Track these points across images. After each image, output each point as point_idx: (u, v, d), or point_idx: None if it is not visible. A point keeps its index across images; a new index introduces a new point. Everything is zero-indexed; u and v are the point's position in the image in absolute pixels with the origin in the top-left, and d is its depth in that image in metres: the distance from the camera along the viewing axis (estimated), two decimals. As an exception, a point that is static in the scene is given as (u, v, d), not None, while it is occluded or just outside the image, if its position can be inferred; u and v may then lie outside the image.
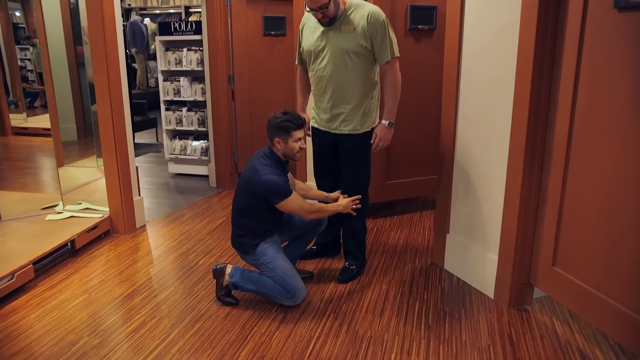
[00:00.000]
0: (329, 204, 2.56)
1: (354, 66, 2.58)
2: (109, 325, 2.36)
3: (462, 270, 2.82)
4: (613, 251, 1.97)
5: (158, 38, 4.89)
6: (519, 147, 2.31)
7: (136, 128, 6.64)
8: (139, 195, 3.69)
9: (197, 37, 4.68)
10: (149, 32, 9.63)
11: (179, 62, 4.85)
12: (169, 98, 4.95)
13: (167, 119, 5.01)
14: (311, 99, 2.90)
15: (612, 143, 1.93)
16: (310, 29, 2.68)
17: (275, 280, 2.42)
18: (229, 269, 2.54)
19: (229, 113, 4.61)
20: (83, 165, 4.70)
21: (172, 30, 4.83)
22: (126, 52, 9.91)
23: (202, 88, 4.83)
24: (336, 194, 2.68)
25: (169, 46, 4.89)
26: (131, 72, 9.84)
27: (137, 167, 3.68)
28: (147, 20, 9.80)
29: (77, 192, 3.95)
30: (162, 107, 5.01)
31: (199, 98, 4.86)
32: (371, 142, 2.70)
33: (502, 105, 2.42)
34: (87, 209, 3.61)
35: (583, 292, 2.14)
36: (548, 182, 2.28)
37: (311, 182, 4.03)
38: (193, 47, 4.78)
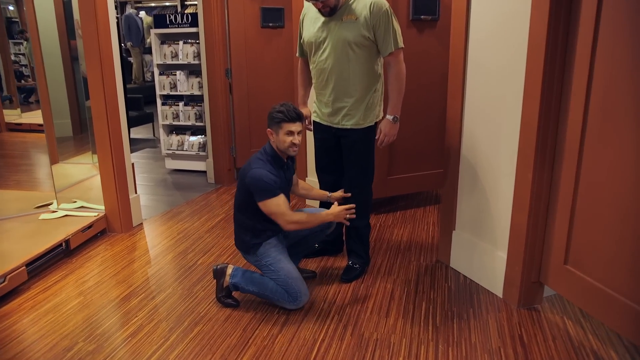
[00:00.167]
0: (318, 214, 2.35)
1: (356, 58, 2.48)
2: (105, 329, 2.28)
3: (469, 268, 2.74)
4: (628, 249, 1.89)
5: (153, 31, 4.78)
6: (529, 142, 2.22)
7: (132, 123, 6.53)
8: (136, 192, 3.60)
9: (193, 29, 4.56)
10: (145, 25, 9.49)
11: (175, 55, 4.74)
12: (165, 92, 4.85)
13: (164, 113, 4.91)
14: (312, 92, 2.80)
15: (628, 137, 1.84)
16: (310, 19, 2.58)
17: (277, 282, 2.34)
18: (229, 270, 2.45)
19: (227, 107, 4.51)
20: (78, 161, 4.60)
21: (168, 22, 4.71)
22: (121, 46, 9.79)
23: (199, 82, 4.72)
24: (339, 193, 2.59)
25: (165, 39, 4.78)
26: (127, 66, 9.73)
27: (133, 164, 3.58)
28: (142, 14, 9.66)
29: (72, 190, 3.85)
30: (159, 101, 4.90)
31: (196, 92, 4.75)
32: (376, 137, 2.61)
33: (511, 97, 2.33)
34: (82, 207, 3.52)
35: (597, 292, 2.06)
36: (560, 177, 2.20)
37: (312, 178, 3.94)
38: (189, 40, 4.66)
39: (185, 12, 4.68)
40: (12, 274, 2.57)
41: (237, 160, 4.67)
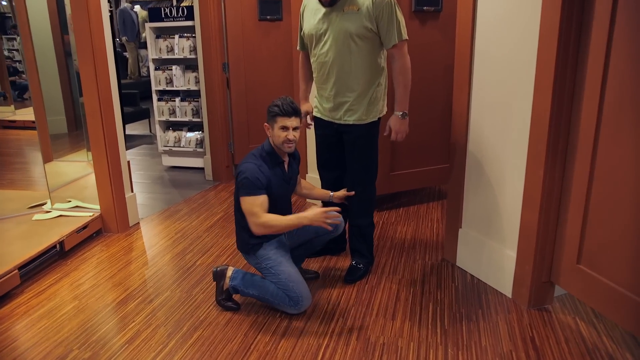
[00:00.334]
0: (291, 217, 2.15)
1: (358, 50, 2.39)
2: (101, 335, 2.19)
3: (476, 267, 2.66)
4: (648, 249, 1.81)
5: (148, 25, 4.66)
6: (540, 138, 2.13)
7: (128, 119, 6.43)
8: (132, 191, 3.51)
9: (189, 23, 4.45)
10: (140, 19, 9.35)
11: (170, 49, 4.63)
12: (161, 88, 4.74)
13: (160, 109, 4.80)
14: (314, 87, 2.71)
15: (648, 132, 1.76)
16: (311, 11, 2.48)
17: (278, 286, 2.25)
18: (229, 272, 2.37)
19: (224, 102, 4.41)
20: (73, 159, 4.50)
21: (163, 16, 4.60)
22: (116, 41, 9.65)
23: (195, 77, 4.61)
24: (342, 192, 2.49)
25: (160, 33, 4.67)
26: (122, 61, 9.59)
27: (128, 162, 3.49)
28: (137, 8, 9.51)
29: (67, 189, 3.76)
30: (154, 97, 4.79)
31: (193, 87, 4.64)
32: (388, 136, 2.54)
33: (520, 89, 2.24)
34: (76, 207, 3.42)
35: (611, 292, 1.98)
36: (572, 174, 2.11)
37: (312, 175, 3.85)
38: (185, 34, 4.55)
39: (181, 5, 4.55)
40: (4, 278, 2.48)
41: (235, 157, 4.58)
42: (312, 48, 2.52)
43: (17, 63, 8.61)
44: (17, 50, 8.56)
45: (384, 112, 2.61)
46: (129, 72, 9.70)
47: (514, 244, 2.39)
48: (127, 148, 5.87)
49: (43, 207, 3.42)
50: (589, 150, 2.01)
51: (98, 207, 3.33)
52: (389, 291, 2.53)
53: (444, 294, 2.49)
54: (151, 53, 4.70)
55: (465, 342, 2.10)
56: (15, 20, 8.28)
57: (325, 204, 2.79)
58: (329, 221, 2.11)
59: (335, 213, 2.15)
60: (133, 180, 3.77)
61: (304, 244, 2.48)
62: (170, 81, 4.69)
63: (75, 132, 4.82)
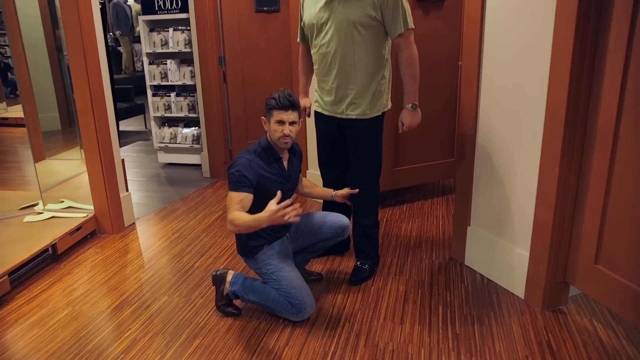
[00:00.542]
0: (250, 217, 1.94)
1: (361, 40, 2.27)
2: (96, 345, 2.08)
3: (486, 266, 2.56)
4: (674, 250, 1.71)
5: (141, 18, 4.52)
6: (556, 132, 2.02)
7: (123, 115, 6.30)
8: (127, 190, 3.39)
9: (183, 15, 4.31)
10: (133, 12, 9.19)
11: (164, 43, 4.49)
12: (155, 83, 4.61)
13: (155, 105, 4.67)
14: (314, 81, 2.59)
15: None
16: (311, 0, 2.36)
17: (279, 292, 2.13)
18: (229, 276, 2.26)
19: (221, 97, 4.29)
20: (66, 157, 4.38)
21: (156, 8, 4.45)
22: (110, 35, 9.48)
23: (191, 71, 4.48)
24: (344, 191, 2.36)
25: (154, 26, 4.53)
26: (116, 56, 9.44)
27: (123, 160, 3.36)
28: (130, 1, 9.34)
29: (60, 189, 3.64)
30: (149, 92, 4.66)
31: (188, 82, 4.51)
32: (400, 132, 2.42)
33: (534, 80, 2.12)
34: (69, 207, 3.31)
35: (632, 294, 1.88)
36: (590, 170, 2.00)
37: (313, 171, 3.74)
38: (180, 27, 4.41)
39: (175, -3, 4.42)
40: (-6, 284, 2.37)
41: (233, 153, 4.45)
42: (313, 39, 2.40)
43: (9, 59, 8.44)
44: (8, 45, 8.39)
45: (389, 107, 2.49)
46: (123, 67, 9.55)
47: (527, 243, 2.29)
48: (122, 145, 5.74)
49: (35, 208, 3.30)
50: (609, 144, 1.90)
51: (92, 207, 3.21)
52: (396, 293, 2.43)
53: (453, 296, 2.39)
54: (145, 47, 4.56)
55: (478, 348, 2.00)
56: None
57: (327, 203, 2.68)
58: (286, 218, 1.83)
59: (290, 207, 1.85)
60: (128, 178, 3.65)
61: (308, 247, 2.37)
62: (165, 76, 4.56)
63: (68, 129, 4.69)
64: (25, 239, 2.84)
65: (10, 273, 2.50)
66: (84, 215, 3.16)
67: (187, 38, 4.39)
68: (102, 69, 3.04)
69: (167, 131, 4.72)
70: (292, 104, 2.07)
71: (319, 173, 2.71)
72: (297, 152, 2.30)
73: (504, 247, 2.43)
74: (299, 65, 2.66)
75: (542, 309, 2.25)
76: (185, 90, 4.61)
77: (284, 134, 2.07)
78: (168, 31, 4.45)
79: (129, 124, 6.92)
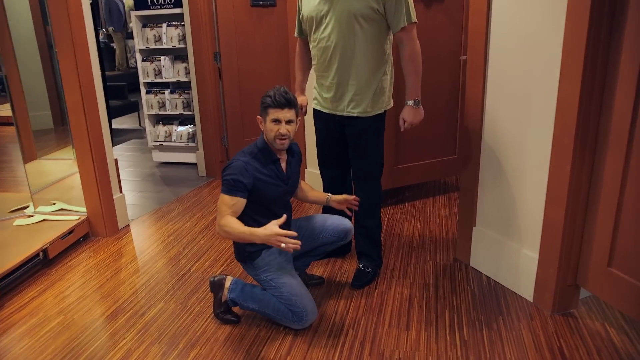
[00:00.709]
0: (249, 231, 1.86)
1: (363, 34, 2.18)
2: (89, 356, 1.99)
3: (493, 268, 2.48)
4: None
5: (134, 13, 4.40)
6: (567, 129, 1.94)
7: (116, 113, 6.19)
8: (120, 191, 3.29)
9: (177, 10, 4.19)
10: (126, 8, 9.03)
11: (158, 39, 4.38)
12: (149, 80, 4.49)
13: (149, 102, 4.56)
14: (311, 78, 2.49)
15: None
16: (310, -8, 2.27)
17: (280, 300, 2.04)
18: (228, 282, 2.17)
19: (217, 94, 4.18)
20: (59, 157, 4.26)
21: (149, 3, 4.33)
22: (102, 31, 9.33)
23: (185, 67, 4.37)
24: (341, 197, 2.24)
25: (147, 22, 4.41)
26: (110, 52, 9.30)
27: (116, 160, 3.26)
28: (123, -4, 9.18)
29: (51, 190, 3.53)
30: (143, 90, 4.55)
31: (183, 79, 4.40)
32: (402, 130, 2.33)
33: (544, 75, 2.03)
34: (61, 209, 3.20)
35: (648, 298, 1.81)
36: (603, 169, 1.92)
37: (311, 169, 3.65)
38: (173, 22, 4.30)
39: (168, -9, 4.30)
40: (-18, 292, 2.28)
41: (230, 151, 4.36)
42: (312, 32, 2.30)
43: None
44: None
45: (391, 105, 2.41)
46: (116, 64, 9.40)
47: (536, 244, 2.21)
48: (116, 143, 5.63)
49: (25, 210, 3.20)
50: (624, 141, 1.82)
51: (84, 209, 3.11)
52: (400, 297, 2.34)
53: (460, 299, 2.31)
54: (138, 43, 4.44)
55: (488, 355, 1.93)
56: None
57: (325, 209, 2.59)
58: (283, 246, 1.77)
59: (293, 240, 1.79)
60: (122, 178, 3.56)
61: (310, 252, 2.28)
62: (159, 73, 4.44)
63: (61, 127, 4.57)
64: (15, 243, 2.74)
65: (0, 279, 2.40)
66: (77, 217, 3.06)
67: (181, 34, 4.28)
68: (93, 66, 2.93)
69: (161, 129, 4.61)
70: (288, 102, 1.97)
71: (319, 172, 2.62)
72: (295, 153, 2.20)
73: (512, 248, 2.35)
74: (295, 61, 2.57)
75: (551, 313, 2.17)
76: (179, 87, 4.50)
77: (280, 134, 1.98)
78: (161, 27, 4.33)
79: (122, 121, 6.81)
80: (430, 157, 3.52)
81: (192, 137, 4.52)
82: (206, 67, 4.06)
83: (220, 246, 2.93)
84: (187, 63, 4.29)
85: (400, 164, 3.41)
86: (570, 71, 1.88)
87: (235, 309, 2.21)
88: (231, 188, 1.93)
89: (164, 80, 4.45)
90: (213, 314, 2.21)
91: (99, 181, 3.02)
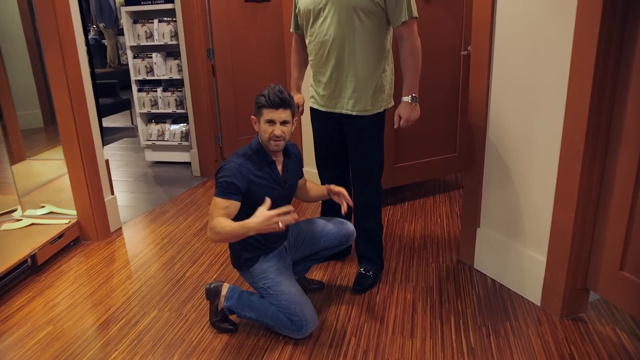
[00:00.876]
0: (235, 224, 1.77)
1: (362, 28, 2.09)
2: (79, 369, 1.90)
3: (498, 270, 2.40)
4: None
5: (124, 9, 4.28)
6: (578, 128, 1.86)
7: (108, 111, 6.07)
8: (112, 193, 3.18)
9: (169, 5, 4.08)
10: (117, 4, 8.89)
11: (149, 35, 4.27)
12: (141, 77, 4.38)
13: (141, 101, 4.45)
14: (308, 76, 2.40)
15: None
16: (307, -15, 2.17)
17: (278, 308, 1.95)
18: (224, 290, 2.08)
19: (210, 92, 4.08)
20: (49, 157, 4.15)
21: (140, -1, 4.22)
22: (93, 28, 9.18)
23: (178, 64, 4.26)
24: (338, 188, 2.13)
25: (138, 18, 4.29)
26: (101, 49, 9.15)
27: (107, 160, 3.16)
28: (114, -8, 9.03)
29: (40, 192, 3.43)
30: (134, 88, 4.43)
31: (175, 76, 4.29)
32: (395, 127, 2.24)
33: (553, 68, 1.95)
34: (51, 213, 3.10)
35: (663, 303, 1.74)
36: (616, 169, 1.84)
37: (308, 169, 3.56)
38: (165, 18, 4.18)
39: (159, -14, 4.18)
40: (-34, 302, 2.18)
41: (224, 150, 4.26)
42: (309, 26, 2.21)
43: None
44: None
45: (391, 104, 2.32)
46: (108, 61, 9.25)
47: (543, 246, 2.13)
48: (107, 142, 5.52)
49: (13, 214, 3.09)
50: (637, 140, 1.74)
51: (75, 212, 3.01)
52: (403, 302, 2.26)
53: (465, 304, 2.23)
54: (129, 40, 4.33)
55: (496, 363, 1.85)
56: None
57: (326, 208, 2.50)
58: (281, 226, 1.68)
59: (289, 214, 1.70)
60: (114, 178, 3.45)
61: (311, 256, 2.20)
62: (150, 70, 4.33)
63: (51, 126, 4.46)
64: (2, 249, 2.64)
65: (-15, 289, 2.30)
66: (67, 221, 2.96)
67: (173, 30, 4.16)
68: (81, 63, 2.82)
69: (154, 128, 4.50)
70: (283, 102, 1.86)
71: (316, 172, 2.53)
72: (292, 155, 2.09)
73: (518, 250, 2.27)
74: (291, 58, 2.47)
75: (560, 317, 2.10)
76: (172, 84, 4.39)
77: (274, 135, 1.87)
78: (153, 23, 4.22)
79: (114, 120, 6.68)
80: (430, 155, 3.44)
81: (185, 135, 4.41)
82: (199, 64, 3.95)
83: (216, 250, 2.84)
84: (180, 60, 4.18)
85: (399, 162, 3.32)
86: (581, 65, 1.80)
87: (233, 317, 2.12)
88: (224, 191, 1.84)
89: (156, 77, 4.33)
90: (209, 323, 2.12)
91: (89, 183, 2.92)
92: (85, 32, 3.18)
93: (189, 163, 4.42)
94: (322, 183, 2.50)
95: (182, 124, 4.44)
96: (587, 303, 2.14)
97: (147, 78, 4.36)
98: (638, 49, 1.69)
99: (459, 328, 2.06)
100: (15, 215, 3.08)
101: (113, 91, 6.27)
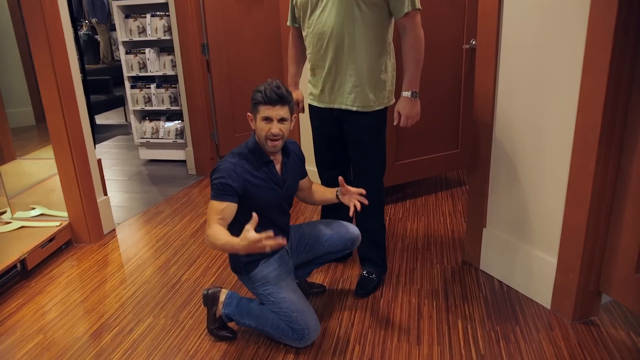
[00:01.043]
0: (227, 241, 1.64)
1: (363, 19, 1.99)
2: (70, 382, 1.81)
3: (505, 272, 2.32)
4: None
5: (115, 3, 4.16)
6: (591, 125, 1.77)
7: (101, 108, 5.95)
8: (105, 194, 3.08)
9: (161, -1, 3.97)
10: (109, -1, 8.75)
11: (142, 30, 4.15)
12: (134, 74, 4.27)
13: (134, 98, 4.34)
14: (306, 72, 2.30)
15: None
16: (305, -26, 2.07)
17: (279, 316, 1.86)
18: (222, 296, 1.99)
19: (205, 88, 3.97)
20: (40, 156, 4.05)
21: (132, -8, 4.10)
22: (86, 23, 9.03)
23: (171, 60, 4.15)
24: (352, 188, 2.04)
25: (129, 12, 4.18)
26: (94, 45, 9.01)
27: (99, 160, 3.06)
28: (106, -14, 8.87)
29: (31, 193, 3.32)
30: (127, 84, 4.32)
31: (169, 72, 4.18)
32: (395, 123, 2.15)
33: (565, 61, 1.86)
34: (42, 215, 3.00)
35: (682, 307, 1.66)
36: (631, 168, 1.76)
37: (308, 167, 3.46)
38: (158, 12, 4.06)
39: (152, -20, 4.06)
40: (-48, 311, 2.08)
41: (220, 148, 4.16)
42: (307, 18, 2.10)
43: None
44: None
45: (393, 101, 2.22)
46: (101, 57, 9.11)
47: (554, 248, 2.05)
48: (100, 140, 5.40)
49: (2, 217, 2.98)
50: (655, 139, 1.66)
51: (66, 214, 2.91)
52: (408, 306, 2.18)
53: (472, 307, 2.15)
54: (121, 35, 4.21)
55: (508, 371, 1.77)
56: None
57: (326, 211, 2.41)
58: (268, 250, 1.54)
59: (274, 238, 1.53)
60: (107, 177, 3.36)
61: (313, 260, 2.11)
62: (143, 66, 4.22)
63: (43, 124, 4.34)
64: (-9, 254, 2.54)
65: (-28, 296, 2.21)
66: (58, 224, 2.86)
67: (166, 24, 4.05)
68: (70, 59, 2.71)
69: (148, 125, 4.39)
70: (280, 98, 1.77)
71: (316, 170, 2.44)
72: (292, 153, 1.99)
73: (526, 251, 2.19)
74: (288, 53, 2.37)
75: (572, 321, 2.02)
76: (166, 81, 4.28)
77: (271, 134, 1.78)
78: (145, 17, 4.10)
79: (108, 117, 6.57)
80: (431, 151, 3.36)
81: (180, 133, 4.31)
82: (193, 59, 3.84)
83: (213, 252, 2.75)
84: (174, 55, 4.07)
85: (400, 159, 3.23)
86: (595, 57, 1.71)
87: (231, 324, 2.04)
88: (219, 192, 1.75)
89: (149, 74, 4.22)
90: (207, 330, 2.03)
91: (80, 184, 2.82)
92: (75, 27, 3.07)
93: (184, 161, 4.32)
94: (322, 182, 2.42)
95: (176, 121, 4.33)
96: (599, 306, 2.06)
97: (141, 74, 4.25)
98: (657, 41, 1.61)
99: (467, 333, 1.98)
100: (4, 217, 2.97)
101: (106, 88, 6.16)
